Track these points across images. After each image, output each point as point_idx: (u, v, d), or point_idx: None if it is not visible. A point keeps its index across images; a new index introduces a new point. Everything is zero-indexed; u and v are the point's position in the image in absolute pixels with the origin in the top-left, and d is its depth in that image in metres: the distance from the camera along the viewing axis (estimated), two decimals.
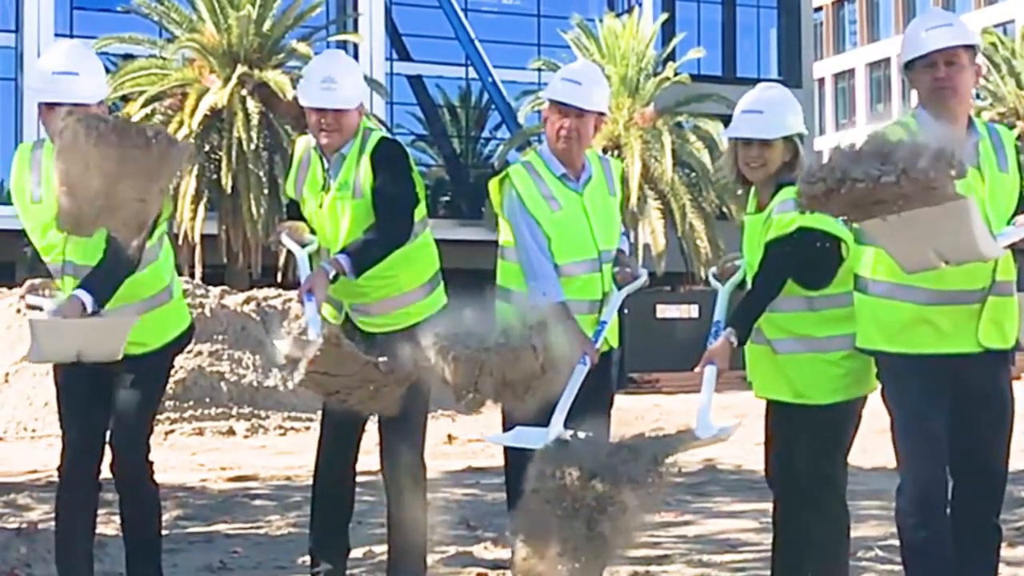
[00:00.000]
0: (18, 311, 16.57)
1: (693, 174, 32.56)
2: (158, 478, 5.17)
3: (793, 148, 4.76)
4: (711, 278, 5.16)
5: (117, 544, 5.50)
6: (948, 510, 4.31)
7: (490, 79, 37.39)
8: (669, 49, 34.39)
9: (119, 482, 5.04)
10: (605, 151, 27.01)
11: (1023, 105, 38.48)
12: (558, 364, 4.47)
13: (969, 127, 4.34)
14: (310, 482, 5.50)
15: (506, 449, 4.97)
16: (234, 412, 15.87)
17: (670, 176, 31.67)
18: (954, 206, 3.81)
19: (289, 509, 8.49)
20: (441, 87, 39.07)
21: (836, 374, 4.67)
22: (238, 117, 29.23)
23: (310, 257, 5.18)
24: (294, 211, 5.41)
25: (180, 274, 5.37)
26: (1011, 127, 31.12)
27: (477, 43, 37.21)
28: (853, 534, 4.94)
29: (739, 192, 25.80)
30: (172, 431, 14.66)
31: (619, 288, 5.18)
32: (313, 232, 5.26)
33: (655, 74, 33.32)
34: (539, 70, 34.19)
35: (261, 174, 29.31)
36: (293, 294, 16.33)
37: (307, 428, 14.69)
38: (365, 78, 5.71)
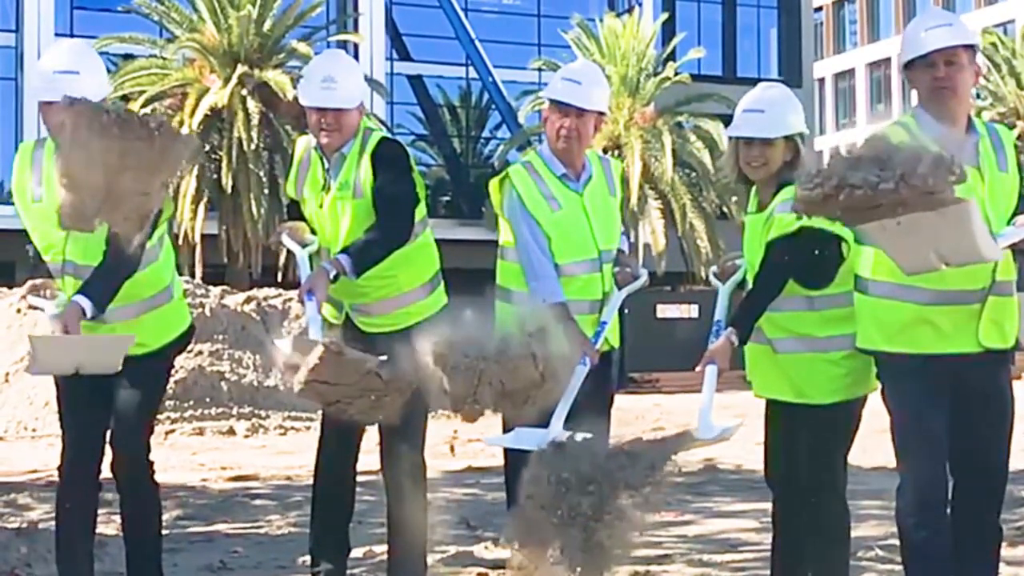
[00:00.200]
0: (18, 311, 16.57)
1: (693, 174, 32.56)
2: (158, 478, 5.16)
3: (794, 147, 4.76)
4: (711, 277, 5.16)
5: (117, 544, 5.50)
6: (948, 510, 4.31)
7: (490, 79, 37.39)
8: (669, 49, 34.38)
9: (119, 482, 5.04)
10: (605, 151, 27.02)
11: (1023, 105, 38.48)
12: (558, 373, 4.43)
13: (969, 127, 4.34)
14: (310, 482, 5.50)
15: (506, 449, 4.97)
16: (234, 412, 15.86)
17: (670, 176, 31.67)
18: (955, 209, 3.80)
19: (289, 509, 8.49)
20: (441, 87, 39.07)
21: (836, 374, 4.67)
22: (238, 117, 29.23)
23: (310, 257, 5.18)
24: (295, 211, 5.41)
25: (180, 274, 5.36)
26: (1011, 127, 31.11)
27: (477, 43, 37.21)
28: (853, 534, 4.94)
29: (735, 194, 25.75)
30: (172, 431, 14.66)
31: (619, 288, 5.18)
32: (314, 232, 5.26)
33: (655, 74, 33.32)
34: (539, 70, 34.19)
35: (261, 174, 29.31)
36: (293, 294, 16.32)
37: (307, 428, 14.69)
38: (365, 78, 5.72)
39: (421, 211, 5.26)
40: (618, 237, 5.21)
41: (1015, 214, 4.28)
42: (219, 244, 29.92)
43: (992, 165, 4.30)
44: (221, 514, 8.39)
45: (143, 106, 29.16)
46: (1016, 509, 7.50)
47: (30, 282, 5.34)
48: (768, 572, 5.05)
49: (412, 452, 5.24)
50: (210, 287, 18.45)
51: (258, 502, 9.02)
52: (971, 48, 4.31)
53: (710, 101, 32.54)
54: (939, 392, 4.26)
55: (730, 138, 4.86)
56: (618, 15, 35.82)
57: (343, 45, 32.13)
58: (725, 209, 31.93)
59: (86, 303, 4.68)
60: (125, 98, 29.30)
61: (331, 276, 4.90)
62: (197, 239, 29.50)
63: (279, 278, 26.03)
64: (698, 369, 4.61)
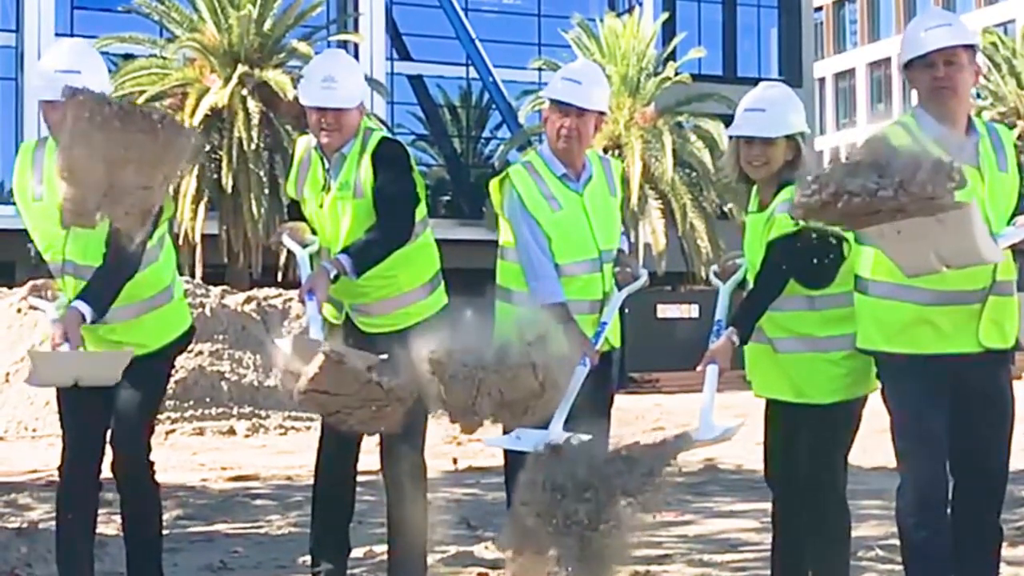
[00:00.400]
0: (18, 311, 16.57)
1: (694, 174, 32.55)
2: (159, 478, 5.16)
3: (795, 147, 4.76)
4: (712, 277, 5.16)
5: (117, 544, 5.50)
6: (948, 510, 4.31)
7: (491, 79, 37.39)
8: (670, 49, 34.37)
9: (120, 482, 5.04)
10: (606, 151, 27.02)
11: (1023, 105, 38.47)
12: (558, 383, 4.37)
13: (969, 127, 4.34)
14: (311, 482, 5.50)
15: (506, 449, 4.96)
16: (235, 412, 15.86)
17: (671, 176, 31.66)
18: (955, 213, 3.79)
19: (290, 509, 8.49)
20: (442, 87, 39.08)
21: (837, 374, 4.67)
22: (239, 117, 29.23)
23: (311, 257, 5.17)
24: (295, 211, 5.41)
25: (180, 274, 5.35)
26: (1011, 127, 31.09)
27: (478, 43, 37.21)
28: (853, 534, 4.93)
29: (735, 194, 25.76)
30: (173, 431, 14.65)
31: (620, 288, 5.18)
32: (314, 232, 5.26)
33: (656, 74, 33.30)
34: (540, 70, 34.19)
35: (262, 174, 29.30)
36: (294, 294, 16.30)
37: (308, 428, 14.68)
38: (366, 78, 5.71)
39: (421, 211, 5.26)
40: (618, 237, 5.21)
41: (1015, 214, 4.28)
42: (219, 244, 29.92)
43: (992, 165, 4.30)
44: (221, 514, 8.39)
45: None
46: (1016, 509, 7.50)
47: (31, 282, 5.32)
48: (768, 572, 5.05)
49: (412, 452, 5.24)
50: (210, 287, 18.44)
51: (258, 502, 9.02)
52: (971, 48, 4.31)
53: (710, 101, 32.54)
54: (939, 392, 4.26)
55: (731, 137, 4.86)
56: (618, 15, 35.81)
57: (343, 45, 32.12)
58: (725, 209, 31.92)
59: (86, 309, 4.68)
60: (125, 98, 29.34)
61: (331, 276, 4.90)
62: (197, 239, 29.49)
63: (279, 278, 26.02)
64: (699, 369, 4.60)
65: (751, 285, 4.83)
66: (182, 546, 6.90)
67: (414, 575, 5.34)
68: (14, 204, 4.99)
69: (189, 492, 9.45)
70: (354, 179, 5.14)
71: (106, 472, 5.03)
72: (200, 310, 16.54)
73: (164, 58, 30.70)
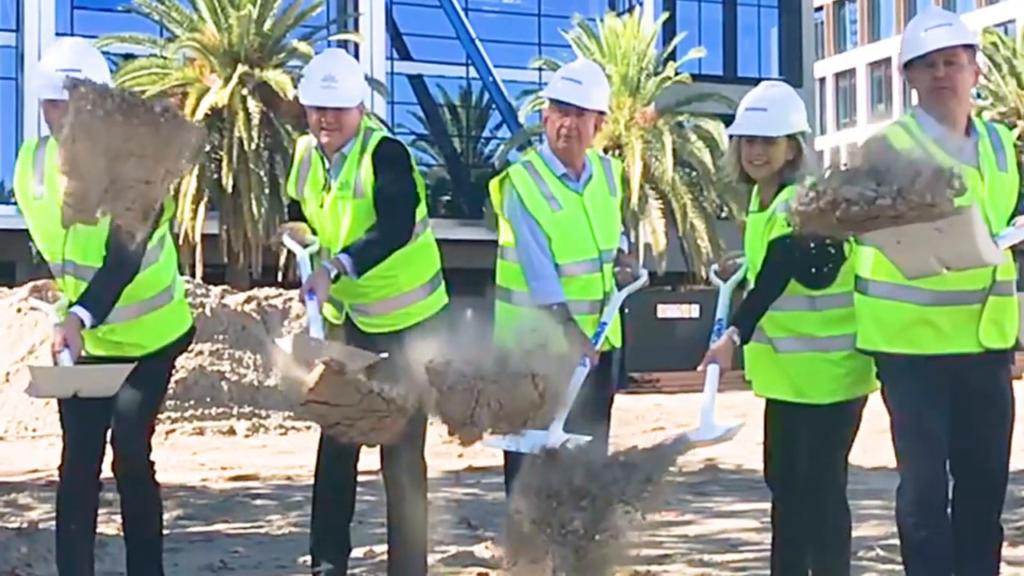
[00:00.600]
0: (19, 311, 16.57)
1: (694, 174, 32.56)
2: (159, 478, 5.16)
3: (796, 146, 4.75)
4: (712, 276, 5.15)
5: (118, 544, 5.50)
6: (948, 510, 4.31)
7: (491, 78, 37.39)
8: (670, 49, 34.38)
9: (120, 482, 5.04)
10: (606, 151, 27.02)
11: (1023, 105, 38.46)
12: (557, 393, 4.30)
13: (968, 127, 4.33)
14: (311, 482, 5.50)
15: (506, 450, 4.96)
16: (235, 412, 15.85)
17: (671, 176, 31.67)
18: (956, 217, 3.78)
19: (290, 508, 8.49)
20: (442, 86, 39.08)
21: (837, 374, 4.66)
22: (239, 117, 29.23)
23: (311, 257, 5.17)
24: (295, 211, 5.41)
25: (181, 273, 5.34)
26: (1012, 127, 31.06)
27: (478, 42, 37.21)
28: (854, 534, 4.93)
29: (736, 194, 25.76)
30: (173, 431, 14.65)
31: (620, 288, 5.18)
32: (314, 232, 5.26)
33: (656, 74, 33.31)
34: (540, 69, 34.20)
35: (262, 174, 29.31)
36: (294, 293, 16.30)
37: (308, 427, 14.64)
38: (366, 77, 5.71)
39: (421, 211, 5.26)
40: (618, 237, 5.21)
41: (1015, 214, 4.27)
42: (219, 244, 29.92)
43: (992, 165, 4.30)
44: (221, 514, 8.39)
45: None
46: (1016, 509, 7.50)
47: (31, 283, 5.32)
48: (768, 572, 5.05)
49: (412, 452, 5.23)
50: (210, 287, 18.43)
51: (258, 502, 9.02)
52: (971, 48, 4.30)
53: (711, 101, 32.56)
54: (939, 392, 4.26)
55: (732, 136, 4.86)
56: (619, 15, 35.81)
57: (343, 45, 32.12)
58: (726, 209, 31.93)
59: (85, 314, 4.67)
60: None
61: (332, 276, 4.90)
62: (197, 239, 29.49)
63: (279, 278, 26.02)
64: (700, 369, 4.59)
65: (752, 285, 4.83)
66: (182, 546, 6.89)
67: (414, 575, 5.34)
68: (14, 204, 4.98)
69: (189, 492, 9.44)
70: (354, 179, 5.13)
71: (106, 472, 5.03)
72: (200, 310, 16.54)
73: (164, 58, 30.71)
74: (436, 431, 4.48)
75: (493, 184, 5.14)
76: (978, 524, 4.38)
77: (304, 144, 5.40)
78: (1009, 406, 4.39)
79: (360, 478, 5.45)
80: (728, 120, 5.50)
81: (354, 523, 5.50)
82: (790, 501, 4.85)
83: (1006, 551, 4.86)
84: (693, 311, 26.14)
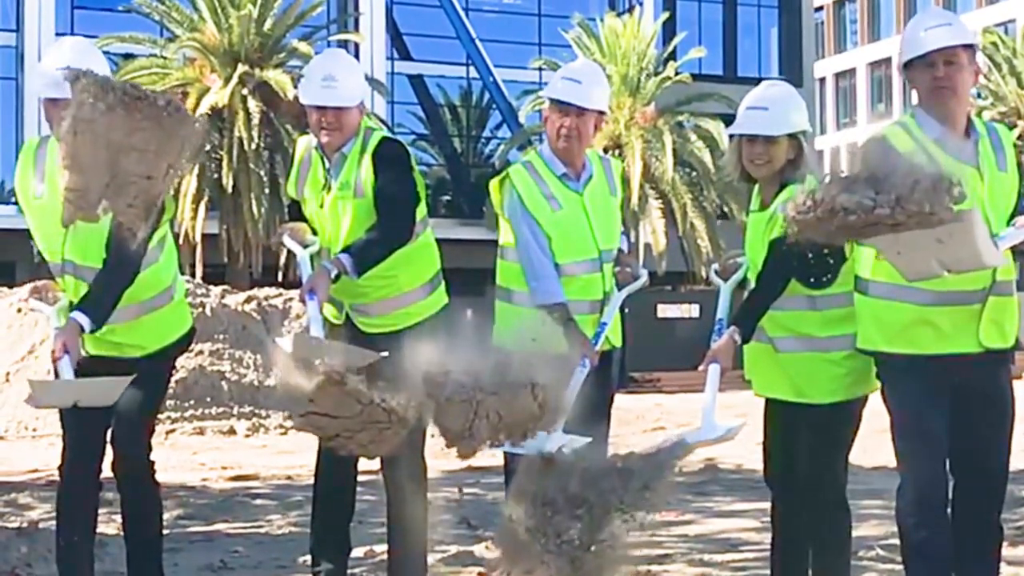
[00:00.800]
0: (19, 311, 16.57)
1: (694, 173, 32.56)
2: (159, 477, 5.16)
3: (797, 145, 4.75)
4: (712, 275, 5.15)
5: (118, 543, 5.50)
6: (948, 510, 4.31)
7: (491, 78, 37.39)
8: (670, 48, 34.38)
9: (120, 482, 5.04)
10: (606, 150, 27.01)
11: (1023, 104, 38.51)
12: (558, 404, 4.24)
13: (968, 127, 4.33)
14: (311, 481, 5.50)
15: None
16: (235, 411, 15.85)
17: (671, 175, 31.67)
18: (957, 223, 3.77)
19: (290, 508, 8.49)
20: (442, 86, 39.08)
21: (837, 374, 4.66)
22: (239, 116, 29.23)
23: (312, 257, 5.17)
24: (295, 211, 5.41)
25: (181, 273, 5.33)
26: (1012, 127, 31.05)
27: (478, 42, 37.21)
28: (854, 534, 4.93)
29: (736, 194, 25.78)
30: (173, 430, 14.65)
31: (620, 288, 5.18)
32: (315, 233, 5.26)
33: (656, 73, 33.31)
34: (540, 69, 34.20)
35: (262, 173, 29.32)
36: (294, 293, 16.30)
37: None
38: (366, 77, 5.71)
39: (421, 211, 5.26)
40: (618, 237, 5.20)
41: (1014, 214, 4.27)
42: (220, 244, 29.92)
43: (991, 165, 4.30)
44: (222, 514, 8.39)
45: None
46: (1016, 509, 7.50)
47: (32, 284, 5.32)
48: (768, 572, 5.05)
49: (412, 452, 5.23)
50: (211, 287, 18.43)
51: (259, 502, 9.02)
52: (970, 48, 4.30)
53: (711, 101, 32.56)
54: (939, 392, 4.26)
55: (732, 136, 4.85)
56: (619, 14, 35.82)
57: (344, 44, 32.12)
58: (726, 209, 31.93)
59: (84, 320, 4.66)
60: None
61: (332, 276, 4.90)
62: (198, 239, 29.50)
63: (280, 278, 26.03)
64: (701, 368, 4.59)
65: (752, 284, 4.82)
66: (182, 546, 6.89)
67: (414, 575, 5.34)
68: (14, 204, 4.99)
69: (189, 492, 9.44)
70: (355, 179, 5.13)
71: (106, 472, 5.03)
72: (200, 310, 16.53)
73: (164, 58, 30.71)
74: (436, 431, 4.44)
75: (493, 184, 5.14)
76: (978, 524, 4.38)
77: (304, 144, 5.40)
78: (1009, 406, 4.39)
79: (360, 478, 5.45)
80: (728, 120, 5.50)
81: (354, 523, 5.50)
82: (790, 501, 4.85)
83: (1006, 551, 4.86)
84: (693, 311, 26.15)
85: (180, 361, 5.44)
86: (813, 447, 4.74)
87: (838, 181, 3.80)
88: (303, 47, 30.02)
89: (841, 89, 59.73)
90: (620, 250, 5.22)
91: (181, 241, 28.51)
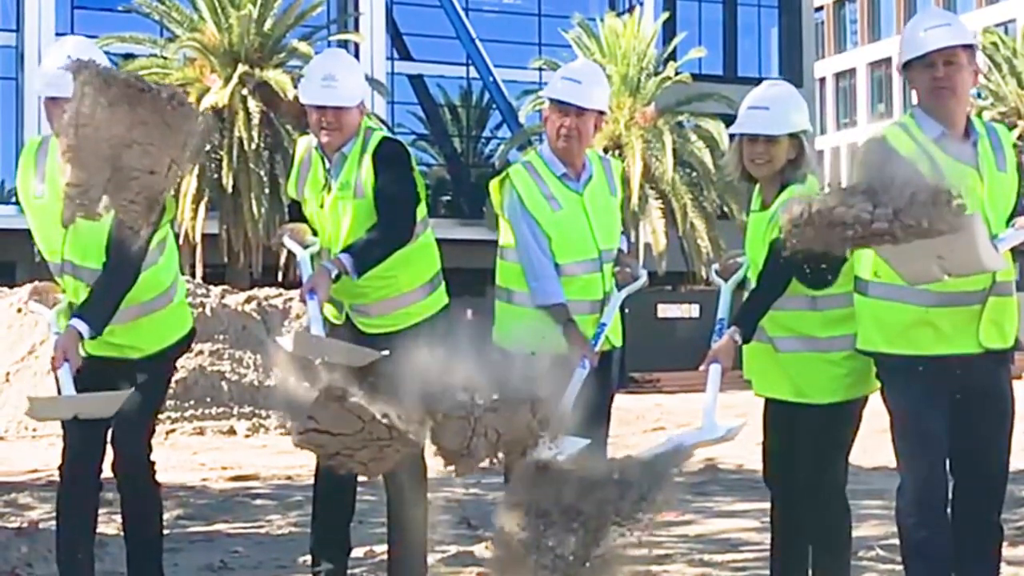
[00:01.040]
0: (19, 311, 16.57)
1: (694, 173, 32.56)
2: (159, 477, 5.16)
3: (798, 145, 4.75)
4: (713, 275, 5.16)
5: (118, 543, 5.50)
6: (948, 510, 4.31)
7: (491, 78, 37.40)
8: (670, 48, 34.37)
9: (120, 482, 5.04)
10: (606, 150, 27.02)
11: (1023, 105, 38.46)
12: (557, 420, 4.18)
13: (968, 127, 4.33)
14: (311, 481, 5.50)
15: None
16: (235, 411, 15.84)
17: (671, 175, 31.67)
18: (957, 231, 3.77)
19: (290, 508, 8.49)
20: (442, 86, 39.08)
21: (837, 374, 4.67)
22: (239, 116, 29.23)
23: (312, 257, 5.17)
24: (295, 212, 5.41)
25: (181, 274, 5.32)
26: (1012, 127, 31.04)
27: (478, 42, 37.22)
28: (854, 534, 4.94)
29: (736, 194, 25.79)
30: (173, 430, 14.64)
31: (620, 288, 5.18)
32: (315, 233, 5.25)
33: (656, 73, 33.31)
34: (540, 69, 34.19)
35: (262, 174, 29.32)
36: (294, 293, 16.30)
37: None
38: (366, 77, 5.71)
39: (422, 211, 5.26)
40: (618, 237, 5.21)
41: (1014, 214, 4.27)
42: (220, 244, 29.92)
43: (991, 165, 4.30)
44: (222, 514, 8.39)
45: None
46: (1016, 509, 7.50)
47: (32, 285, 5.31)
48: (768, 572, 5.05)
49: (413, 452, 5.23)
50: (211, 287, 18.42)
51: (259, 502, 9.02)
52: (970, 48, 4.30)
53: (711, 101, 32.56)
54: (939, 392, 4.26)
55: (733, 135, 4.86)
56: (619, 14, 35.83)
57: (344, 44, 32.13)
58: (726, 209, 31.92)
59: (83, 327, 4.66)
60: None
61: (333, 276, 4.89)
62: (198, 239, 29.50)
63: (280, 278, 26.02)
64: (701, 368, 4.59)
65: (753, 284, 4.82)
66: (182, 546, 6.89)
67: (414, 575, 5.34)
68: (15, 204, 4.99)
69: (189, 492, 9.44)
70: (355, 179, 5.13)
71: (106, 472, 5.03)
72: (200, 310, 16.53)
73: (164, 58, 30.70)
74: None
75: (493, 184, 5.14)
76: (978, 524, 4.39)
77: (304, 144, 5.40)
78: (1009, 406, 4.39)
79: (361, 477, 5.45)
80: (728, 120, 5.50)
81: (354, 523, 5.50)
82: (790, 501, 4.85)
83: (1006, 551, 4.86)
84: (693, 311, 26.14)
85: (180, 361, 5.44)
86: (813, 447, 4.74)
87: (835, 193, 3.79)
88: (303, 47, 30.02)
89: (841, 89, 59.73)
90: (620, 250, 5.22)
91: (181, 241, 28.51)
